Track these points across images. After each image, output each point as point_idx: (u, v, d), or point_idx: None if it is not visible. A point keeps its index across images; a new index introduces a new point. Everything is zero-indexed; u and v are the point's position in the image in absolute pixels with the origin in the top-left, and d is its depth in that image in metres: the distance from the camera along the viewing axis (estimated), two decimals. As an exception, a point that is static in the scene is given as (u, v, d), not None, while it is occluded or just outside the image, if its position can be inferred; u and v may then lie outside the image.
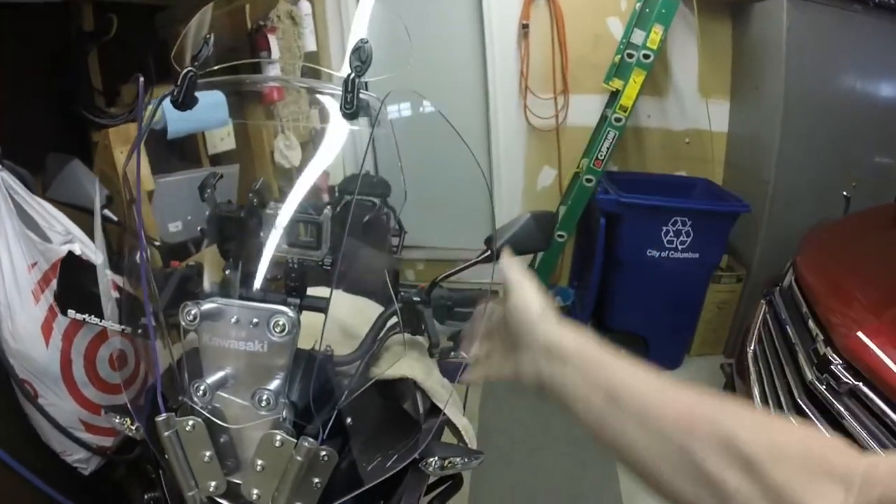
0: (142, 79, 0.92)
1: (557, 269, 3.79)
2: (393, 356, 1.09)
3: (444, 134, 0.97)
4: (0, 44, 1.72)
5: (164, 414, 0.82)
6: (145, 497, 1.12)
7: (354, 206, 1.23)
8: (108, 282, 1.12)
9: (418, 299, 1.08)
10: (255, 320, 0.81)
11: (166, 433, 0.81)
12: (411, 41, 0.91)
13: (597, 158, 3.13)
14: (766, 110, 3.09)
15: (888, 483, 0.42)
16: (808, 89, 2.95)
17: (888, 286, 1.76)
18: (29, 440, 1.57)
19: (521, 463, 2.58)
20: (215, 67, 0.92)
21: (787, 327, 1.97)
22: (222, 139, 2.39)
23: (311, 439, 0.80)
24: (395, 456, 1.00)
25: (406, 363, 1.11)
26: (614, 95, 3.17)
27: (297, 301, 0.87)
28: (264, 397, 0.79)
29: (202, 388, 0.80)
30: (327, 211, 0.90)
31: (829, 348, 1.62)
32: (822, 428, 1.54)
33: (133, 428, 1.13)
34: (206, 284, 0.96)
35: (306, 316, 0.87)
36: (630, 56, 3.07)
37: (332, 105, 0.86)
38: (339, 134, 0.89)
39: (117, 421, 1.16)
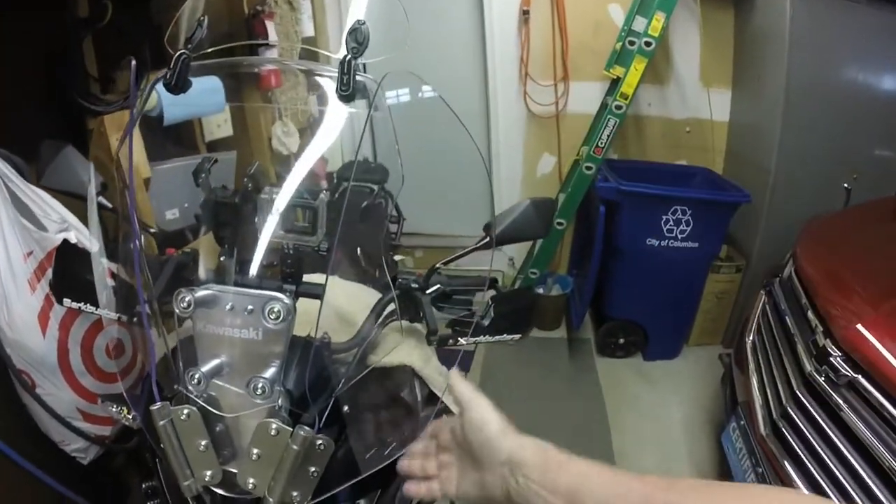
0: (134, 62, 0.90)
1: (556, 257, 3.78)
2: (391, 343, 1.09)
3: (443, 119, 0.95)
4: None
5: (159, 403, 0.81)
6: (143, 486, 1.11)
7: (351, 193, 1.22)
8: (103, 270, 1.10)
9: (416, 286, 1.07)
10: (249, 307, 0.79)
11: (161, 422, 0.81)
12: (409, 23, 0.89)
13: (597, 146, 3.11)
14: (768, 100, 3.08)
15: None
16: (810, 80, 2.93)
17: (888, 279, 1.75)
18: (27, 430, 1.56)
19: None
20: (210, 50, 0.90)
21: (787, 318, 1.97)
22: (219, 126, 2.37)
23: (307, 428, 0.79)
24: (393, 444, 1.00)
25: (404, 350, 1.10)
26: (615, 83, 3.15)
27: (293, 288, 0.86)
28: (259, 385, 0.79)
29: (197, 376, 0.80)
30: (323, 196, 0.89)
31: (828, 340, 1.62)
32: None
33: (130, 417, 1.12)
34: (202, 271, 0.95)
35: (303, 303, 0.86)
36: (631, 43, 3.05)
37: (330, 88, 0.85)
38: (335, 117, 0.87)
39: (114, 410, 1.15)
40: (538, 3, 3.37)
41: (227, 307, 0.80)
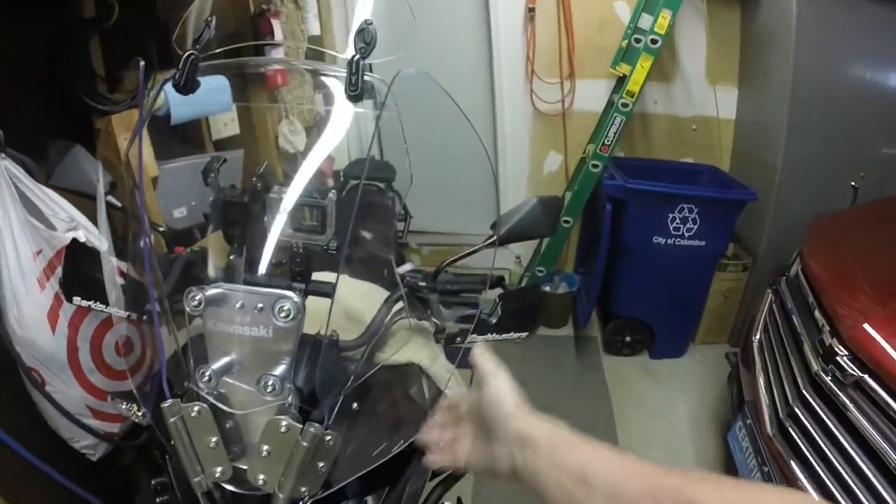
0: (142, 63, 0.91)
1: (563, 255, 3.78)
2: (399, 341, 1.09)
3: (450, 118, 0.96)
4: (0, 31, 1.71)
5: (170, 400, 0.81)
6: (152, 483, 1.12)
7: (357, 192, 1.22)
8: (112, 268, 1.11)
9: (424, 284, 1.08)
10: (259, 305, 0.80)
11: (172, 419, 0.81)
12: (416, 21, 0.89)
13: (603, 144, 3.11)
14: (774, 98, 3.07)
15: None
16: (817, 78, 2.92)
17: (895, 278, 1.74)
18: (37, 427, 1.57)
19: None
20: (218, 50, 0.90)
21: (793, 317, 1.97)
22: (226, 125, 2.38)
23: (317, 424, 0.79)
24: (400, 441, 1.00)
25: (412, 348, 1.10)
26: (621, 80, 3.15)
27: (303, 286, 0.86)
28: (269, 383, 0.79)
29: (207, 373, 0.80)
30: (332, 195, 0.89)
31: (834, 339, 1.62)
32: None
33: (139, 414, 1.13)
34: (211, 270, 0.95)
35: (311, 301, 0.87)
36: (637, 41, 3.04)
37: (337, 88, 0.85)
38: (343, 117, 0.87)
39: (124, 407, 1.16)
40: (544, 1, 3.37)
41: (238, 305, 0.81)
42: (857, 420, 1.45)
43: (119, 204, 1.31)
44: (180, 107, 1.79)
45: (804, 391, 1.67)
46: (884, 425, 1.39)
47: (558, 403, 2.88)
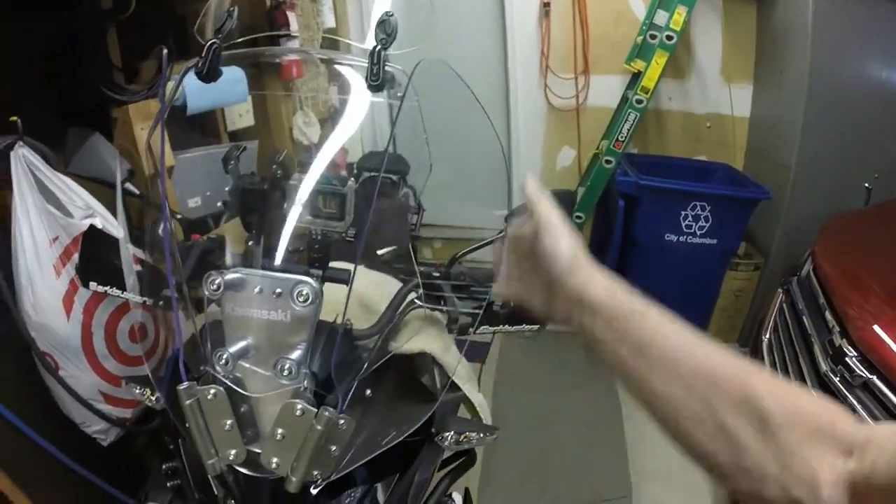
0: (165, 50, 0.92)
1: (574, 251, 3.76)
2: (411, 331, 1.10)
3: (463, 111, 0.96)
4: (18, 20, 1.73)
5: (186, 382, 0.83)
6: (163, 467, 1.14)
7: (374, 182, 1.23)
8: (129, 255, 1.13)
9: (438, 274, 1.08)
10: (278, 290, 0.81)
11: (188, 401, 0.82)
12: (434, 13, 0.90)
13: (617, 140, 3.10)
14: (790, 96, 3.04)
15: (880, 452, 0.45)
16: (833, 77, 2.89)
17: (907, 281, 1.73)
18: (49, 412, 1.59)
19: (533, 442, 2.59)
20: (239, 40, 0.92)
21: (804, 317, 1.96)
22: (241, 116, 2.40)
23: (331, 409, 0.80)
24: (408, 428, 1.01)
25: (424, 338, 1.11)
26: (636, 76, 3.13)
27: (320, 272, 0.87)
28: (286, 366, 0.80)
29: (224, 356, 0.81)
30: (351, 182, 0.90)
31: (844, 340, 1.61)
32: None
33: (153, 398, 1.14)
34: (228, 256, 0.96)
35: (326, 291, 0.88)
36: (653, 37, 3.03)
37: (355, 77, 0.86)
38: (362, 106, 0.88)
39: (138, 391, 1.17)
40: (559, -3, 3.36)
41: (256, 290, 0.82)
42: (864, 421, 1.45)
43: (137, 191, 1.32)
44: (197, 98, 1.80)
45: (812, 391, 1.66)
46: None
47: (566, 398, 2.91)
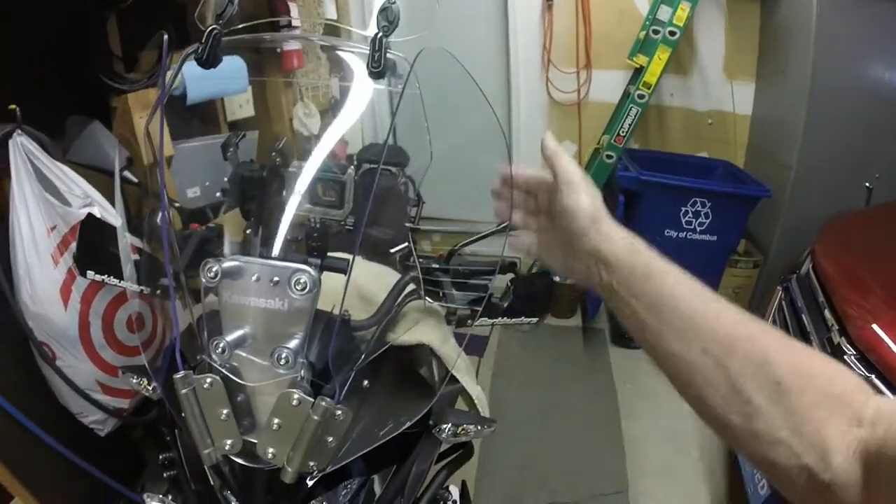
0: (166, 36, 0.91)
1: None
2: (410, 322, 1.09)
3: (464, 102, 0.95)
4: (19, 9, 1.72)
5: (183, 371, 0.82)
6: (160, 458, 1.13)
7: (374, 174, 1.22)
8: (127, 243, 1.12)
9: (437, 266, 1.08)
10: (276, 278, 0.80)
11: (184, 390, 0.82)
12: (438, 4, 0.89)
13: (618, 135, 3.10)
14: (792, 95, 3.03)
15: (893, 421, 0.46)
16: (836, 76, 2.88)
17: (906, 280, 1.73)
18: (46, 402, 1.59)
19: (531, 436, 2.59)
20: (240, 26, 0.91)
21: (803, 315, 1.96)
22: (241, 106, 2.39)
23: (328, 399, 0.80)
24: (406, 420, 1.01)
25: (422, 329, 1.11)
26: (638, 72, 3.12)
27: (318, 261, 0.86)
28: (283, 355, 0.80)
29: (221, 345, 0.81)
30: (351, 170, 0.89)
31: (843, 339, 1.62)
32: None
33: (150, 388, 1.14)
34: (226, 245, 0.96)
35: (324, 281, 0.87)
36: (656, 32, 3.02)
37: (357, 64, 0.85)
38: (364, 93, 0.88)
39: (134, 381, 1.17)
40: (561, -10, 3.34)
41: (254, 278, 0.81)
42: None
43: (135, 179, 1.31)
44: (197, 87, 1.79)
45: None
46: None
47: (564, 393, 2.91)
